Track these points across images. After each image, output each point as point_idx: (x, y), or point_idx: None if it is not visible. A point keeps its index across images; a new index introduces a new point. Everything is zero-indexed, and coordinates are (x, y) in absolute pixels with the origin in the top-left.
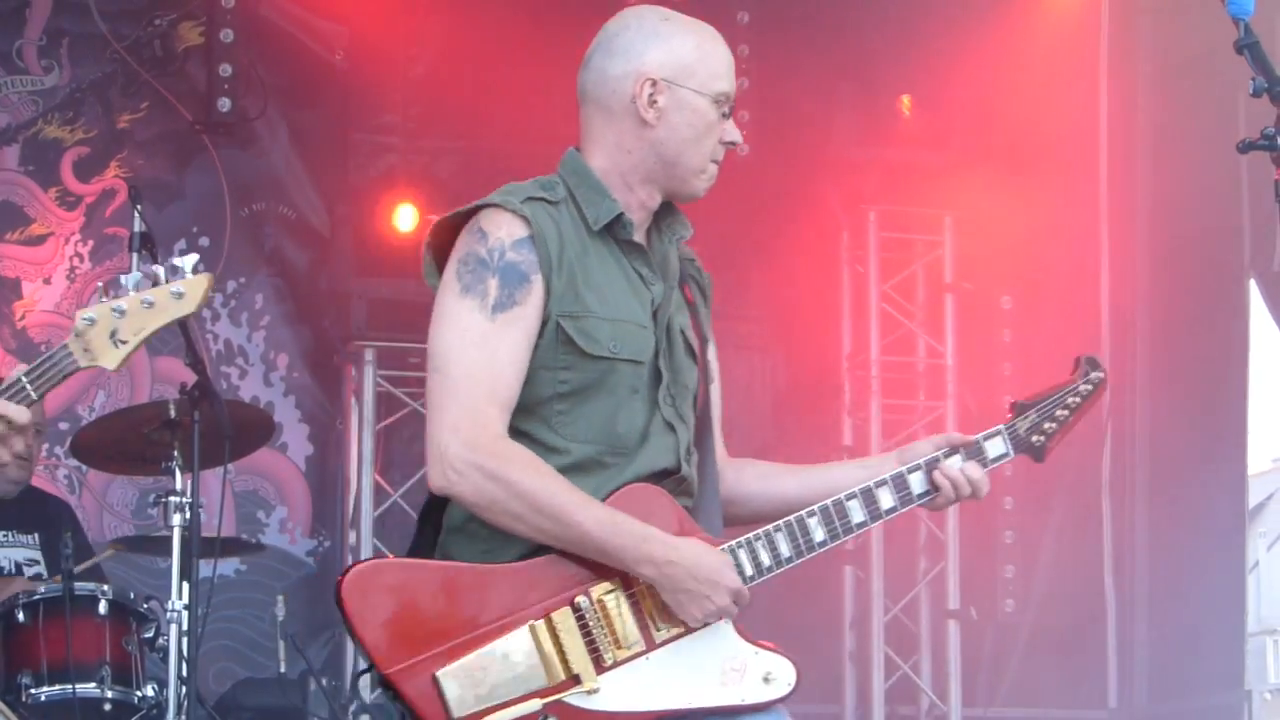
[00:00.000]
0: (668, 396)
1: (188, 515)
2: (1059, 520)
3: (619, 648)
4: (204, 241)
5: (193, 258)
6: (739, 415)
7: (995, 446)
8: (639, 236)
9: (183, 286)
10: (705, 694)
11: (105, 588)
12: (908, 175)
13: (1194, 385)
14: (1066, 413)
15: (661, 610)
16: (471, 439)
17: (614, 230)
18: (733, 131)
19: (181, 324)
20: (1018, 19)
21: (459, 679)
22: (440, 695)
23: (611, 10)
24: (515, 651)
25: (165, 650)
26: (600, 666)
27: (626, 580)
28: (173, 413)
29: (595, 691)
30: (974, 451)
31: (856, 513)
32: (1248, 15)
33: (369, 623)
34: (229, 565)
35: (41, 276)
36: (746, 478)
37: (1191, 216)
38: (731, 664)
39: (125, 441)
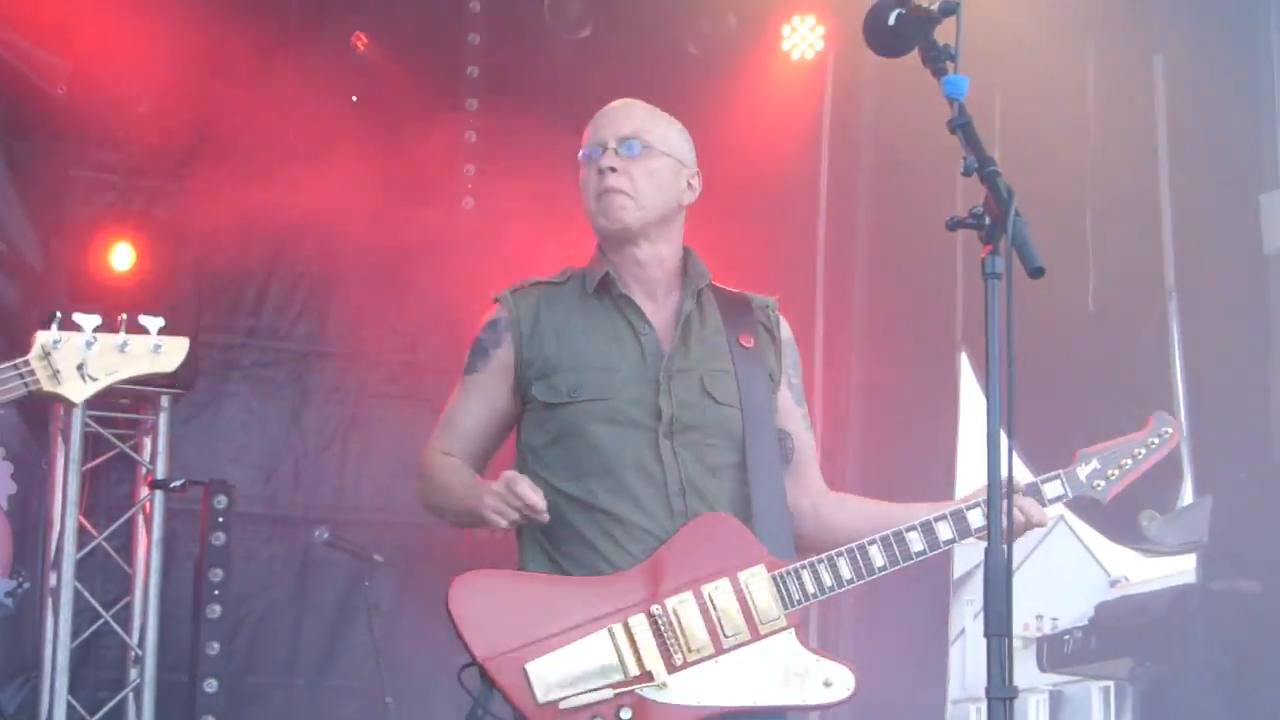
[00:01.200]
0: (668, 430)
1: None
2: None
3: (689, 650)
4: None
5: (159, 320)
6: None
7: (1053, 489)
8: (641, 292)
9: (163, 342)
10: (768, 694)
11: None
12: None
13: (904, 455)
14: (1131, 462)
15: (729, 619)
16: (419, 462)
17: (609, 289)
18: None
19: None
20: (752, 78)
21: (544, 670)
22: (528, 683)
23: (335, 54)
24: (595, 650)
25: None
26: (671, 666)
27: (698, 593)
28: None
29: (665, 686)
30: (1031, 490)
31: (915, 543)
32: (961, 96)
33: (470, 623)
34: None
35: None
36: (844, 512)
37: (908, 290)
38: (794, 669)
39: None
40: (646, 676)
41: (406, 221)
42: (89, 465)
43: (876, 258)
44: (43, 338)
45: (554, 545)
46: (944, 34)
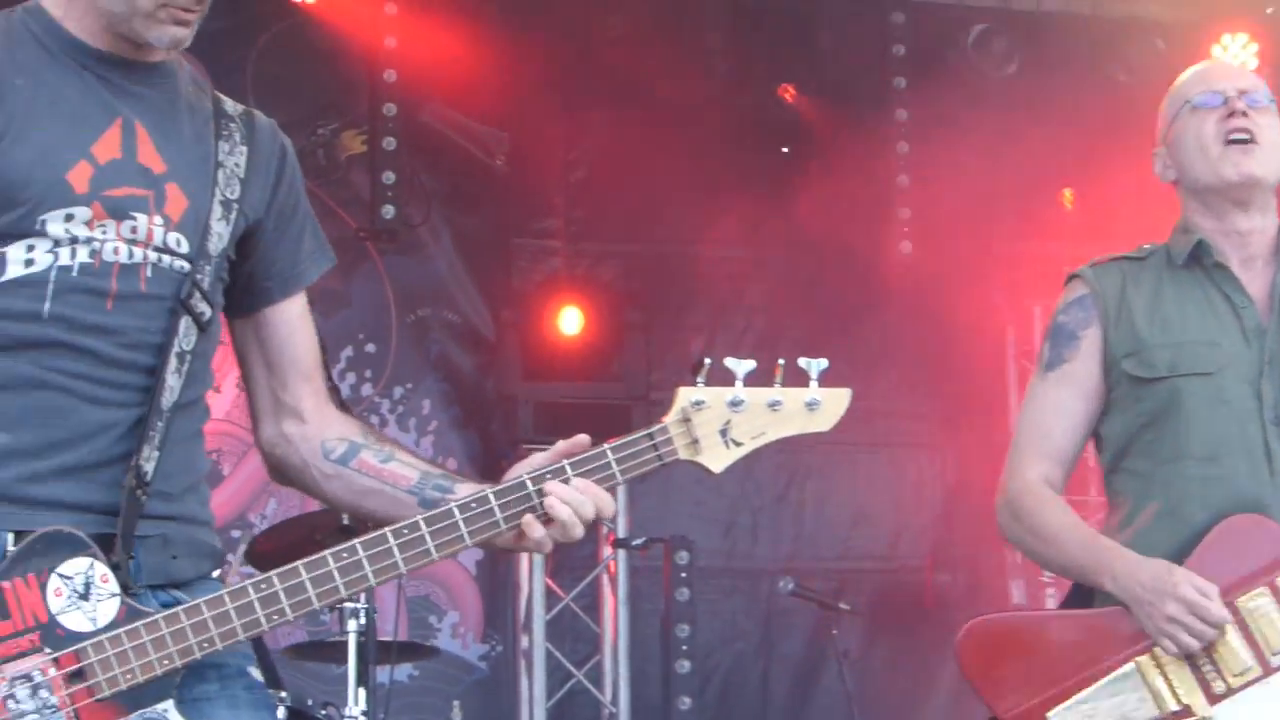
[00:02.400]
0: (1274, 416)
1: (363, 621)
2: None
3: (1232, 675)
4: (370, 348)
5: (822, 362)
6: (911, 515)
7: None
8: (1237, 262)
9: (820, 396)
10: None
11: (283, 694)
12: (1072, 269)
13: None
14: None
15: (1275, 632)
16: (1005, 487)
17: (1200, 259)
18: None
19: None
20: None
21: (1069, 719)
22: None
23: (762, 107)
24: (1123, 689)
25: None
26: (1211, 697)
27: (1232, 608)
28: (345, 519)
29: None
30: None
31: None
32: None
33: (983, 673)
34: (403, 671)
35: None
36: None
37: None
38: None
39: (300, 548)
40: (1185, 712)
41: (846, 269)
42: None
43: None
44: (684, 396)
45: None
46: None
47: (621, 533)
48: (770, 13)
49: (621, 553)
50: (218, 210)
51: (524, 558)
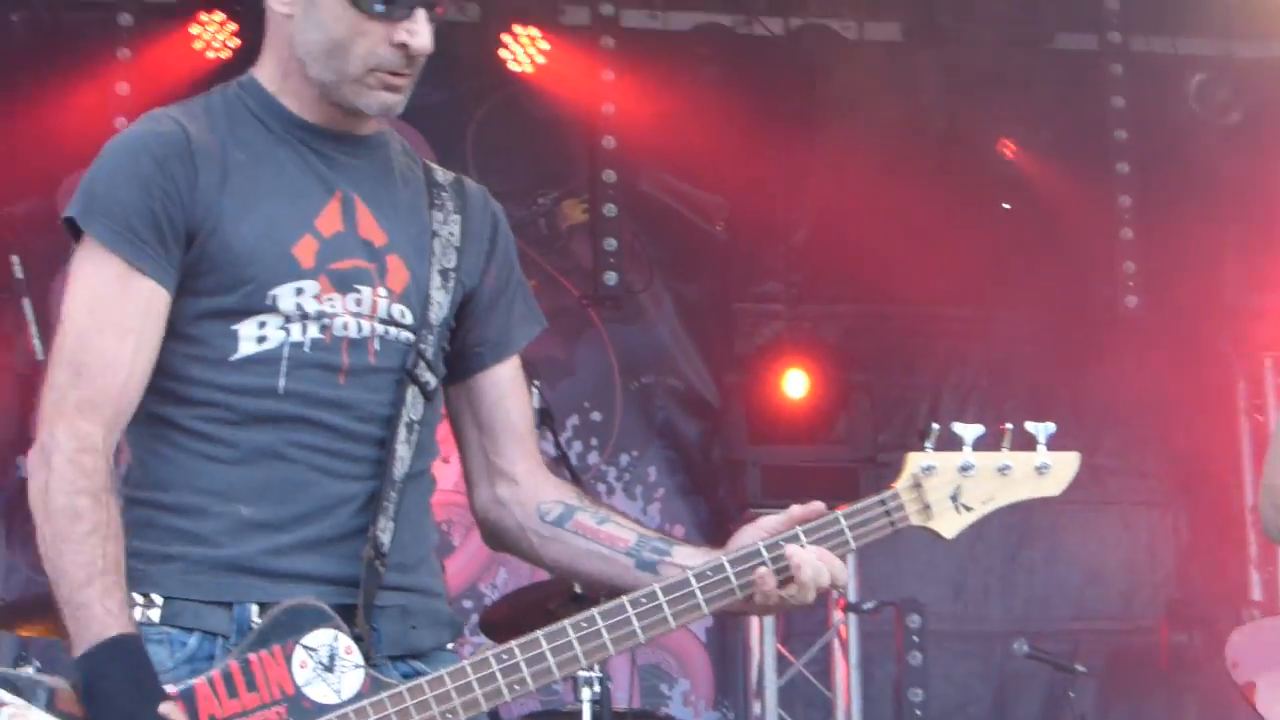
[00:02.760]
0: None
1: (597, 689)
2: None
3: None
4: (596, 416)
5: (1050, 426)
6: (1145, 573)
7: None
8: None
9: (1050, 460)
10: None
11: None
12: None
13: None
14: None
15: None
16: (1269, 486)
17: None
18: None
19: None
20: None
21: None
22: None
23: (982, 162)
24: None
25: None
26: None
27: None
28: (577, 588)
29: None
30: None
31: None
32: None
33: (1259, 676)
34: None
35: (440, 456)
36: None
37: None
38: None
39: (532, 618)
40: None
41: (1071, 325)
42: None
43: None
44: (914, 461)
45: None
46: None
47: (852, 596)
48: (986, 68)
49: (852, 617)
50: (436, 280)
51: (754, 624)
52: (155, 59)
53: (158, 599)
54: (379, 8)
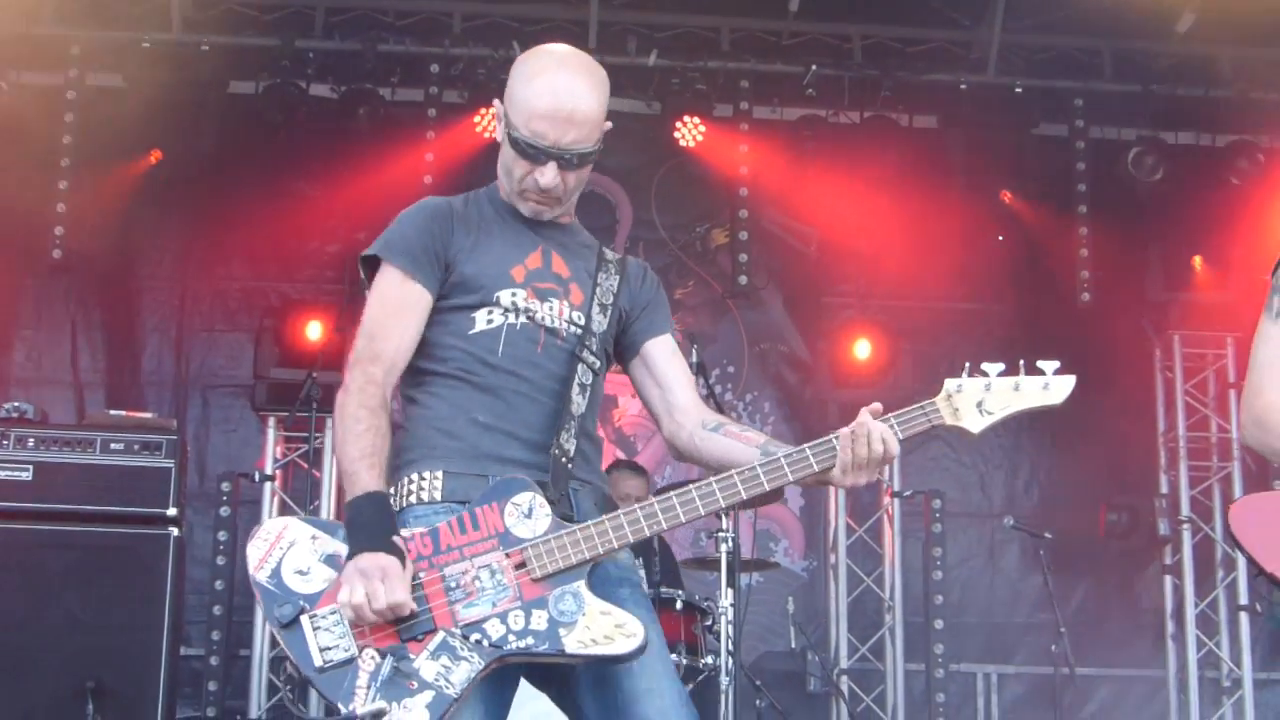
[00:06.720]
0: None
1: (729, 545)
2: None
3: None
4: (730, 369)
5: (1054, 363)
6: (1089, 471)
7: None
8: None
9: (1052, 381)
10: None
11: (680, 592)
12: (1200, 310)
13: None
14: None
15: None
16: (1250, 405)
17: None
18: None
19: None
20: None
21: None
22: None
23: (987, 205)
24: None
25: (718, 634)
26: None
27: None
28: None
29: None
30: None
31: None
32: None
33: (1252, 537)
34: (754, 578)
35: (630, 393)
36: None
37: None
38: None
39: None
40: None
41: (1038, 315)
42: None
43: None
44: (949, 384)
45: None
46: None
47: (896, 486)
48: (994, 145)
49: (896, 501)
50: (597, 306)
51: (831, 504)
52: (451, 138)
53: (438, 475)
54: (524, 157)
